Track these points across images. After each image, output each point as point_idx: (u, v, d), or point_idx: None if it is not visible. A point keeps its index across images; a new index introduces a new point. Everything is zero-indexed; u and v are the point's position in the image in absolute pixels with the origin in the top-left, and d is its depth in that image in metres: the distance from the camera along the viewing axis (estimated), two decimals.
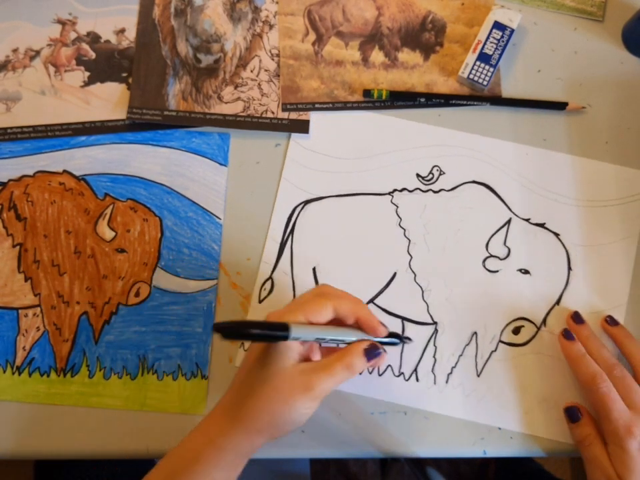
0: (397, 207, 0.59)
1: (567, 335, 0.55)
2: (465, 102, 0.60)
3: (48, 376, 0.55)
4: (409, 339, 0.55)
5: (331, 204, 0.59)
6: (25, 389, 0.55)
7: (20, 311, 0.56)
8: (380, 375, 0.56)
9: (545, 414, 0.55)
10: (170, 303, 0.57)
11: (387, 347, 0.48)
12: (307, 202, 0.59)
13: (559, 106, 0.60)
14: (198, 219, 0.58)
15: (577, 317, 0.56)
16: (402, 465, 1.05)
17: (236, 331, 0.39)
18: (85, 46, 0.62)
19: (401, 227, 0.58)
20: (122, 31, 0.62)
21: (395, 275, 0.57)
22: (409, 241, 0.58)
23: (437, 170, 0.59)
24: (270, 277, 0.57)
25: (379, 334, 0.47)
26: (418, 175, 0.59)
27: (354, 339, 0.46)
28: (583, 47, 0.62)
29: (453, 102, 0.60)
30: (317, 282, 0.57)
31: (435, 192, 0.59)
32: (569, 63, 0.62)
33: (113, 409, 0.55)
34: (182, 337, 0.56)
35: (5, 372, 0.55)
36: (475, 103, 0.61)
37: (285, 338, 0.40)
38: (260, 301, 0.57)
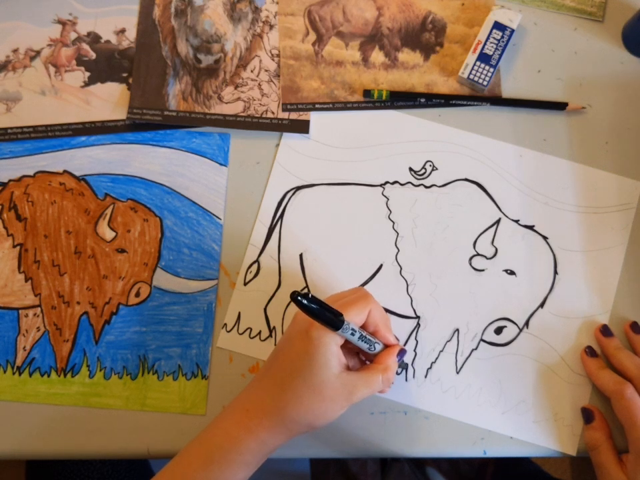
0: (388, 199, 0.59)
1: (589, 352, 0.55)
2: (465, 102, 0.60)
3: (48, 376, 0.55)
4: (406, 366, 0.56)
5: (322, 192, 0.59)
6: (25, 389, 0.55)
7: (20, 311, 0.56)
8: None
9: (521, 416, 0.55)
10: (170, 303, 0.57)
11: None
12: (298, 188, 0.59)
13: (559, 106, 0.60)
14: (198, 219, 0.58)
15: (605, 330, 0.56)
16: (402, 464, 1.05)
17: (302, 304, 0.42)
18: (85, 46, 0.62)
19: (390, 219, 0.59)
20: (122, 31, 0.62)
21: (381, 266, 0.58)
22: (397, 234, 0.58)
23: (430, 165, 0.60)
24: (256, 260, 0.58)
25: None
26: (411, 169, 0.60)
27: (381, 346, 0.50)
28: (583, 47, 0.62)
29: (453, 102, 0.60)
30: (303, 268, 0.58)
31: (426, 187, 0.59)
32: (569, 63, 0.62)
33: (114, 409, 0.55)
34: (182, 337, 0.56)
35: (5, 372, 0.55)
36: (475, 103, 0.61)
37: (338, 327, 0.43)
38: (245, 284, 0.57)
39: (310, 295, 0.42)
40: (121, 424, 0.55)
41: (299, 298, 0.41)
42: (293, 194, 0.59)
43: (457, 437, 0.55)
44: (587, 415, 0.54)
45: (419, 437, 0.55)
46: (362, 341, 0.47)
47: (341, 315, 0.44)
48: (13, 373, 0.55)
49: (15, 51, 0.61)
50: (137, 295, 0.57)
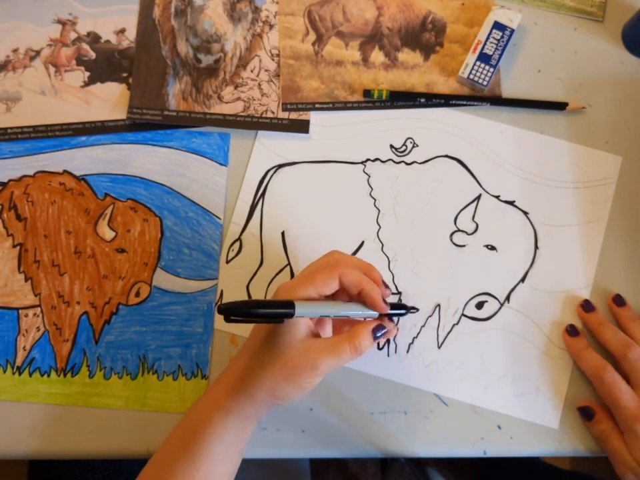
0: (369, 176, 0.59)
1: (571, 331, 0.55)
2: (465, 102, 0.60)
3: (48, 376, 0.55)
4: (415, 308, 0.54)
5: (303, 169, 0.59)
6: (25, 389, 0.55)
7: (20, 311, 0.56)
8: None
9: (503, 389, 0.55)
10: (170, 303, 0.57)
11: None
12: (280, 166, 0.59)
13: (559, 106, 0.60)
14: (198, 219, 0.58)
15: (586, 305, 0.56)
16: (402, 465, 1.05)
17: (240, 311, 0.40)
18: (85, 46, 0.62)
19: (371, 196, 0.59)
20: (122, 31, 0.62)
21: (362, 243, 0.58)
22: (379, 211, 0.58)
23: (411, 142, 0.60)
24: (238, 238, 0.58)
25: (381, 311, 0.47)
26: (391, 146, 0.60)
27: (359, 312, 0.47)
28: (583, 47, 0.62)
29: (453, 102, 0.60)
30: (285, 246, 0.58)
31: (407, 164, 0.59)
32: (569, 62, 0.62)
33: (113, 408, 0.55)
34: (182, 337, 0.56)
35: (5, 372, 0.55)
36: (475, 103, 0.61)
37: (290, 316, 0.42)
38: (227, 262, 0.57)
39: (238, 303, 0.40)
40: (121, 424, 0.55)
41: (223, 312, 0.40)
42: (275, 172, 0.59)
43: (457, 437, 0.55)
44: (586, 413, 0.54)
45: (419, 437, 0.55)
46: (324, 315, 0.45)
47: (290, 304, 0.42)
48: (13, 373, 0.55)
49: (15, 50, 0.61)
50: (137, 294, 0.57)
